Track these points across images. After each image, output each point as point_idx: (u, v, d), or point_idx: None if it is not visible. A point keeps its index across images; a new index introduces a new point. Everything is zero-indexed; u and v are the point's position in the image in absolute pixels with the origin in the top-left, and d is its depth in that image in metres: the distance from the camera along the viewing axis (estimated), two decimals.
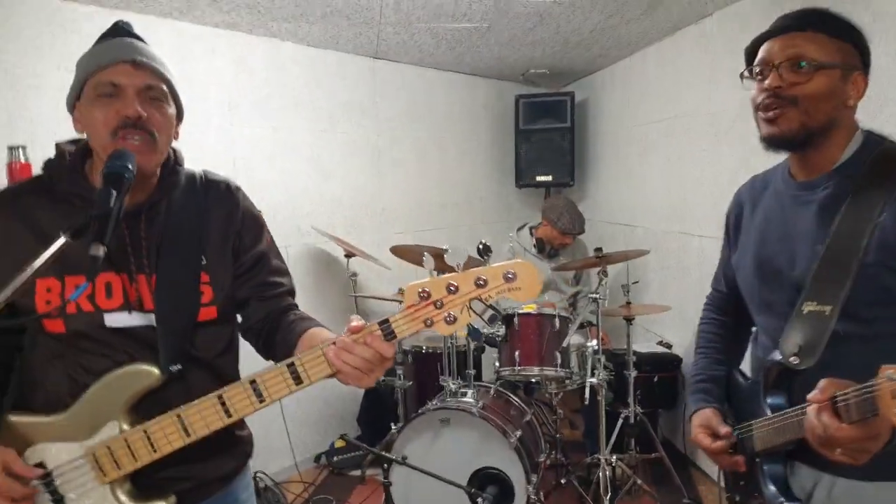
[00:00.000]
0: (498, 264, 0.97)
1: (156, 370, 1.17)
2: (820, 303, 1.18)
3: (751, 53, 1.31)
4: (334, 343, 1.08)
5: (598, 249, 2.95)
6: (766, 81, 1.22)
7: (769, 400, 1.29)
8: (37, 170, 1.30)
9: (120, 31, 1.25)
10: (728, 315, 1.61)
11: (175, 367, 1.20)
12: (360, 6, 2.94)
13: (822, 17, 1.24)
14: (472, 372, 2.92)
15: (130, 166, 1.11)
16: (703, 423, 1.45)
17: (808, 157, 1.27)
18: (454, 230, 4.63)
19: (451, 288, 0.98)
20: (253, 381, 1.10)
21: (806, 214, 1.27)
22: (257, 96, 3.47)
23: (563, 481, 3.16)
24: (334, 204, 3.90)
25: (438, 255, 2.97)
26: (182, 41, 3.10)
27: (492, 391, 2.97)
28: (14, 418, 1.20)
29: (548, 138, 4.69)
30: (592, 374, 2.85)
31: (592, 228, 4.34)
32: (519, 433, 2.64)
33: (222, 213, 1.34)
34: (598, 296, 2.92)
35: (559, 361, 2.91)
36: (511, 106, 4.77)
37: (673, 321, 3.74)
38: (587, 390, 2.80)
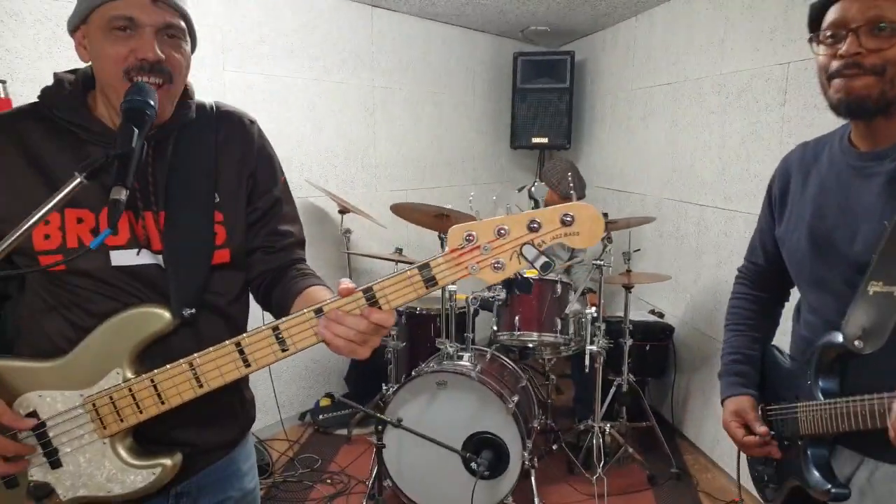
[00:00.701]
0: (555, 206, 0.87)
1: (167, 313, 1.07)
2: (887, 283, 1.10)
3: (816, 15, 1.19)
4: (317, 312, 0.99)
5: (605, 215, 2.86)
6: (843, 47, 1.10)
7: (821, 383, 1.23)
8: (18, 104, 1.17)
9: None
10: (764, 290, 1.54)
11: (188, 311, 1.10)
12: None
13: None
14: (472, 335, 2.85)
15: (152, 102, 1.00)
16: (738, 413, 1.40)
17: (876, 126, 1.17)
18: (446, 190, 4.52)
19: (501, 231, 0.88)
20: (276, 328, 1.00)
21: (870, 187, 1.17)
22: (249, 40, 3.29)
23: (553, 447, 3.14)
24: (328, 157, 3.75)
25: (440, 215, 2.87)
26: None
27: (488, 355, 2.90)
28: (0, 363, 1.08)
29: (545, 98, 4.56)
30: (592, 342, 2.79)
31: (587, 194, 4.26)
32: (516, 398, 2.59)
33: (236, 150, 1.23)
34: (601, 262, 2.85)
35: (559, 328, 2.85)
36: (509, 64, 4.62)
37: (665, 290, 3.71)
38: (587, 357, 2.75)
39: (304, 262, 1.33)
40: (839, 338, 1.18)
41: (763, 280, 1.54)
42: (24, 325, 1.15)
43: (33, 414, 1.07)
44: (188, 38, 1.13)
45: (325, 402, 3.72)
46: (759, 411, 1.40)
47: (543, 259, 0.87)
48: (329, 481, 3.09)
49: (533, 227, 0.87)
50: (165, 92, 1.08)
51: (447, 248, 0.92)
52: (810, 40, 1.19)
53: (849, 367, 1.22)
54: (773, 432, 1.35)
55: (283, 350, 1.00)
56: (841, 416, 1.16)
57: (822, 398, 1.22)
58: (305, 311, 0.99)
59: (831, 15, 1.14)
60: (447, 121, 4.50)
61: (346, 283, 0.98)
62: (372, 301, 0.96)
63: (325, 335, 0.98)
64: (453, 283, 0.94)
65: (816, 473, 1.22)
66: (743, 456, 1.49)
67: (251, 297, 1.33)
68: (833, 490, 1.19)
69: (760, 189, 1.54)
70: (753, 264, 1.56)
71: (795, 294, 1.49)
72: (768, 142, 2.80)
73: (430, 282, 0.94)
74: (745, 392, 1.42)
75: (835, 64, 1.13)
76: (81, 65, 1.16)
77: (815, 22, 1.20)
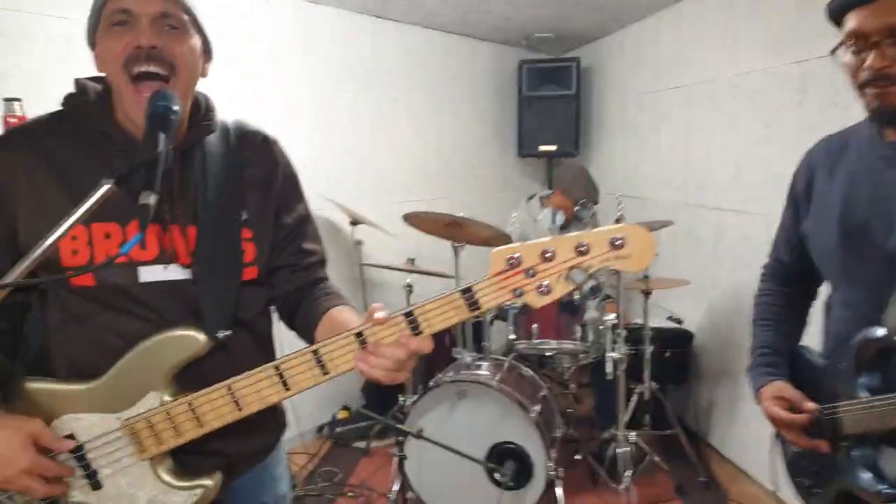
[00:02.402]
0: (604, 228, 0.86)
1: (203, 336, 1.06)
2: None
3: (836, 16, 1.19)
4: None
5: (619, 220, 2.84)
6: (868, 61, 1.11)
7: (864, 380, 1.20)
8: None
9: None
10: (791, 286, 1.52)
11: (224, 334, 1.09)
12: None
13: None
14: (489, 344, 2.83)
15: (175, 107, 0.99)
16: (778, 395, 1.35)
17: None
18: (452, 200, 4.48)
19: (547, 254, 0.87)
20: (315, 351, 0.98)
21: None
22: (251, 54, 3.28)
23: (577, 457, 3.11)
24: (333, 169, 3.74)
25: (452, 223, 2.85)
26: None
27: (506, 364, 2.88)
28: (35, 385, 1.08)
29: (551, 106, 4.55)
30: (613, 349, 2.77)
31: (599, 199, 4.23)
32: (538, 407, 2.57)
33: (260, 169, 1.23)
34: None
35: (578, 335, 2.83)
36: (513, 72, 4.61)
37: (683, 296, 3.67)
38: (608, 365, 2.72)
39: (327, 279, 1.33)
40: (881, 332, 1.16)
41: (789, 276, 1.52)
42: (53, 344, 1.14)
43: (70, 437, 1.06)
44: (196, 34, 1.12)
45: (343, 415, 3.71)
46: None
47: (592, 282, 0.85)
48: (351, 494, 3.07)
49: (581, 251, 0.86)
50: (172, 86, 1.05)
51: (490, 272, 0.90)
52: (832, 52, 1.20)
53: (892, 362, 1.19)
54: (815, 429, 1.30)
55: (325, 374, 0.99)
56: (885, 414, 1.13)
57: (864, 395, 1.19)
58: (345, 333, 0.97)
59: (850, 23, 1.15)
60: (452, 130, 4.48)
61: (379, 309, 0.96)
62: (414, 325, 0.95)
63: (362, 367, 0.97)
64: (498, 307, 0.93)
65: (866, 474, 1.19)
66: (779, 462, 1.46)
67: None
68: (885, 490, 1.16)
69: (779, 190, 1.52)
70: (778, 261, 1.55)
71: (822, 292, 1.47)
72: (785, 143, 2.78)
73: (474, 306, 0.92)
74: (779, 378, 1.38)
75: (864, 74, 1.13)
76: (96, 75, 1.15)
77: (835, 21, 1.20)
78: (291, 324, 1.29)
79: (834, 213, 1.29)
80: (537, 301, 0.89)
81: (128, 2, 1.03)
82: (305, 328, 1.22)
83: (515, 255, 0.88)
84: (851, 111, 1.22)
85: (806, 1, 2.61)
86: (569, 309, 2.81)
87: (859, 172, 1.26)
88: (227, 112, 1.28)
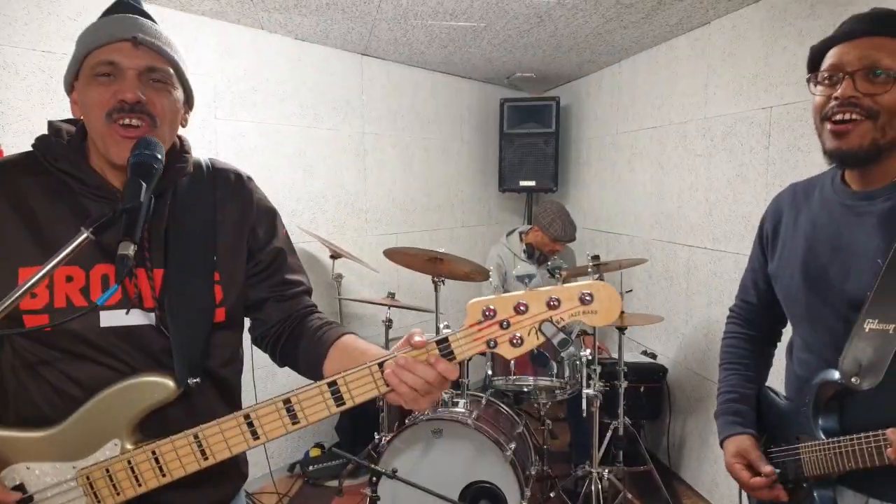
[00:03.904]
0: (574, 284, 0.89)
1: (171, 383, 1.04)
2: (882, 321, 1.14)
3: (816, 57, 1.24)
4: (381, 364, 0.97)
5: (596, 257, 2.89)
6: (839, 90, 1.15)
7: (821, 422, 1.24)
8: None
9: (125, 5, 1.13)
10: (756, 329, 1.56)
11: (194, 381, 1.06)
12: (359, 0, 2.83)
13: None
14: (467, 381, 2.83)
15: (160, 156, 1.00)
16: (740, 453, 1.39)
17: (869, 169, 1.22)
18: (435, 233, 4.55)
19: (521, 308, 0.89)
20: (287, 401, 0.98)
21: (863, 226, 1.21)
22: (241, 88, 3.32)
23: (551, 494, 3.11)
24: (318, 203, 3.77)
25: (432, 258, 2.87)
26: (163, 28, 2.92)
27: (483, 401, 2.88)
28: None
29: (532, 143, 4.66)
30: (588, 385, 2.79)
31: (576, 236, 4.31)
32: (513, 445, 2.57)
33: (234, 207, 1.22)
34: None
35: (555, 371, 2.85)
36: (495, 109, 4.73)
37: (657, 331, 3.73)
38: (583, 401, 2.74)
39: (317, 309, 1.31)
40: (836, 375, 1.20)
41: (755, 319, 1.56)
42: (9, 389, 1.10)
43: (20, 487, 1.03)
44: (179, 87, 1.13)
45: (315, 453, 3.65)
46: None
47: (561, 336, 0.88)
48: None
49: (552, 305, 0.89)
50: (148, 133, 1.05)
51: (466, 323, 0.92)
52: (808, 80, 1.24)
53: (847, 405, 1.23)
54: (778, 471, 1.34)
55: (339, 404, 0.99)
56: (845, 454, 1.16)
57: (822, 437, 1.23)
58: (369, 363, 0.98)
59: (830, 58, 1.19)
60: (436, 165, 4.55)
61: (418, 333, 0.97)
62: (447, 353, 0.96)
63: (392, 381, 0.96)
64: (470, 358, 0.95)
65: None
66: (744, 498, 1.48)
67: (266, 353, 1.31)
68: None
69: (748, 230, 1.57)
70: (746, 303, 1.59)
71: (787, 333, 1.51)
72: (754, 183, 2.86)
73: (449, 356, 0.94)
74: (744, 431, 1.42)
75: (831, 104, 1.17)
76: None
77: (814, 63, 1.25)
78: (289, 360, 1.27)
79: (797, 257, 1.34)
80: (510, 353, 0.91)
81: (115, 55, 1.04)
82: (312, 357, 1.19)
83: (491, 308, 0.91)
84: (813, 156, 1.26)
85: (772, 51, 2.72)
86: (539, 362, 2.86)
87: (822, 218, 1.31)
88: (212, 147, 1.28)
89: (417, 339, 0.96)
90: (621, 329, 3.10)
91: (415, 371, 0.95)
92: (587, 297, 0.88)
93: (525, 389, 2.96)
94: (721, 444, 1.46)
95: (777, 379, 1.53)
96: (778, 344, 1.62)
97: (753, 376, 1.52)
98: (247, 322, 1.30)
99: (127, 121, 1.03)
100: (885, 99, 1.12)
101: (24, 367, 1.07)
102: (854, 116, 1.14)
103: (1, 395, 1.10)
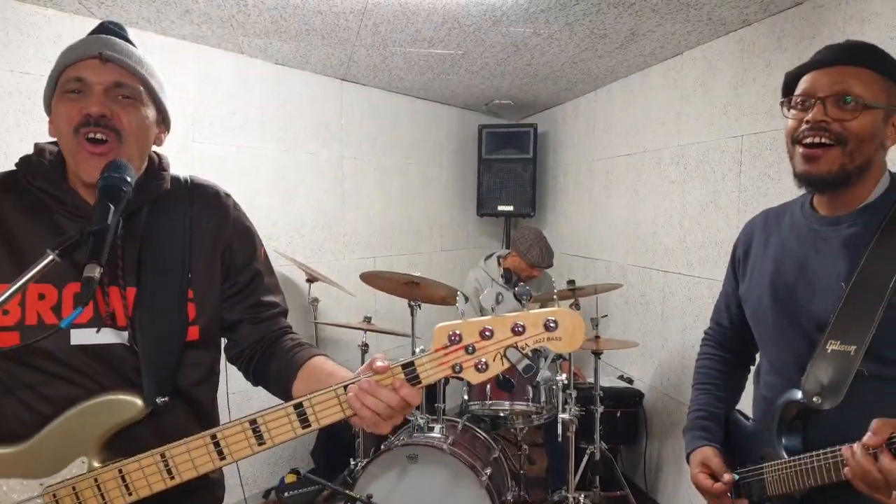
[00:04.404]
0: (539, 311, 0.90)
1: (139, 402, 1.04)
2: (844, 342, 1.17)
3: (790, 83, 1.29)
4: (345, 386, 0.98)
5: (571, 282, 2.92)
6: (810, 114, 1.19)
7: (784, 441, 1.26)
8: None
9: (104, 28, 1.16)
10: (729, 351, 1.59)
11: (162, 400, 1.06)
12: (338, 26, 2.86)
13: (870, 53, 1.22)
14: (443, 406, 2.82)
15: (129, 178, 1.01)
16: (703, 462, 1.41)
17: (837, 195, 1.25)
18: (414, 257, 4.56)
19: (486, 333, 0.90)
20: (253, 422, 0.98)
21: (829, 250, 1.25)
22: (221, 112, 3.33)
23: None
24: (296, 226, 3.76)
25: (409, 282, 2.88)
26: (144, 51, 2.93)
27: (459, 426, 2.87)
28: None
29: (510, 168, 4.72)
30: (564, 410, 2.79)
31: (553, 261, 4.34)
32: (489, 471, 2.56)
33: (211, 224, 1.23)
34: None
35: (531, 396, 2.85)
36: (474, 135, 4.79)
37: (633, 356, 3.75)
38: (559, 426, 2.74)
39: (292, 330, 1.32)
40: (798, 395, 1.22)
41: (729, 342, 1.59)
42: None
43: None
44: (150, 104, 1.14)
45: (290, 479, 3.59)
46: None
47: (526, 362, 0.89)
48: None
49: (517, 331, 0.90)
50: (116, 152, 1.07)
51: (432, 347, 0.93)
52: (782, 104, 1.28)
53: (810, 424, 1.25)
54: (737, 477, 1.35)
55: (305, 426, 0.99)
56: (805, 472, 1.18)
57: (785, 456, 1.25)
58: (335, 386, 0.98)
59: (803, 84, 1.24)
60: (415, 190, 4.58)
61: (380, 359, 0.98)
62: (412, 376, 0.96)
63: (355, 405, 0.97)
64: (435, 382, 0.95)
65: None
66: None
67: (240, 371, 1.31)
68: None
69: (721, 255, 1.61)
70: (719, 326, 1.61)
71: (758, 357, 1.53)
72: (726, 210, 2.92)
73: (415, 380, 0.95)
74: (708, 444, 1.44)
75: (802, 127, 1.21)
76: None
77: (788, 88, 1.29)
78: (262, 380, 1.27)
79: (766, 277, 1.37)
80: (475, 378, 0.92)
81: (82, 71, 1.06)
82: (281, 378, 1.20)
83: (457, 332, 0.92)
84: (783, 183, 1.29)
85: (742, 82, 2.80)
86: (504, 387, 2.86)
87: (791, 241, 1.34)
88: (190, 170, 1.29)
89: (379, 363, 0.97)
90: (597, 354, 3.13)
91: (377, 395, 0.95)
92: (551, 324, 0.89)
93: (501, 414, 2.95)
94: (687, 459, 1.48)
95: (747, 405, 1.55)
96: (752, 368, 1.64)
97: (724, 396, 1.54)
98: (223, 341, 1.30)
99: (92, 134, 1.04)
100: (853, 125, 1.16)
101: None
102: (824, 140, 1.17)
103: None
